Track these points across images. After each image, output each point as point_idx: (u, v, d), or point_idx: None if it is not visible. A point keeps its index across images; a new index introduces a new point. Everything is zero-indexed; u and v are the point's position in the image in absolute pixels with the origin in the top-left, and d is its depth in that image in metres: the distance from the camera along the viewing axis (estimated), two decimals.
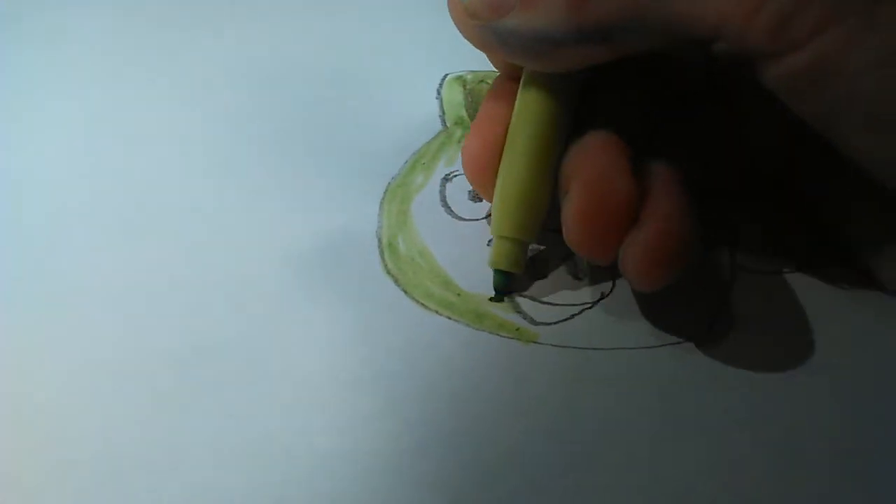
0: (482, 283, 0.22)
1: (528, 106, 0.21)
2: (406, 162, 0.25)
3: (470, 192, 0.24)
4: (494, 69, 0.23)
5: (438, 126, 0.26)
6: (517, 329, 0.20)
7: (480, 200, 0.24)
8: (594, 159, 0.20)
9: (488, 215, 0.24)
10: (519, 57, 0.20)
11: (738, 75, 0.18)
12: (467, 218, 0.24)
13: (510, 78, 0.22)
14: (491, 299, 0.21)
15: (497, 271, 0.21)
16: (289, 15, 0.31)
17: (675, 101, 0.22)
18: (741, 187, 0.23)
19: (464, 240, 0.23)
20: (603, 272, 0.22)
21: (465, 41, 0.21)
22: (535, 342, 0.20)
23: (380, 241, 0.23)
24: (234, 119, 0.27)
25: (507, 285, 0.21)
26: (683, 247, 0.19)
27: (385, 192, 0.24)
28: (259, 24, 0.31)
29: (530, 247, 0.22)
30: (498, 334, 0.20)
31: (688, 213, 0.19)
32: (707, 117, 0.22)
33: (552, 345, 0.20)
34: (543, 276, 0.22)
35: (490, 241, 0.23)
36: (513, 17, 0.18)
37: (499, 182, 0.21)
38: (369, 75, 0.28)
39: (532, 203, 0.21)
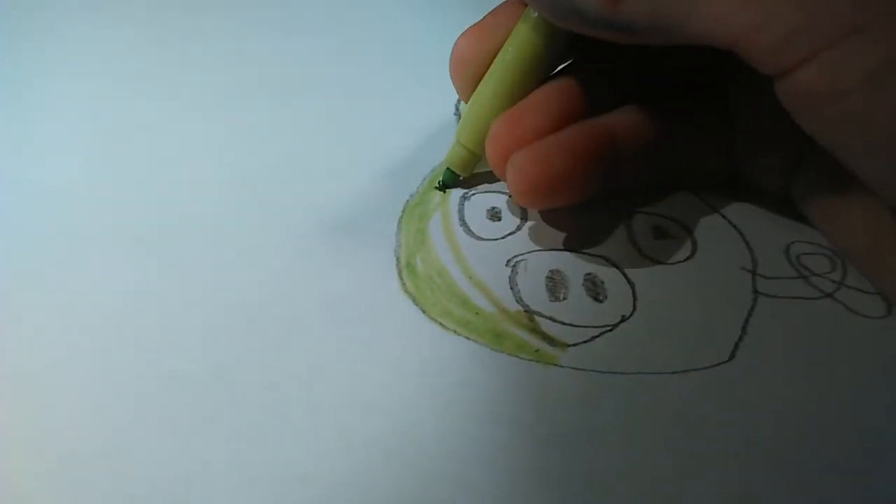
0: (501, 301, 0.21)
1: (524, 40, 0.22)
2: (424, 180, 0.25)
3: (488, 211, 0.24)
4: None
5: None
6: (537, 351, 0.20)
7: (499, 220, 0.24)
8: (535, 96, 0.22)
9: (506, 235, 0.24)
10: (544, 9, 0.21)
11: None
12: (486, 237, 0.23)
13: (521, 2, 0.23)
14: (435, 187, 0.25)
15: (448, 170, 0.24)
16: (308, 30, 0.32)
17: (665, 77, 0.24)
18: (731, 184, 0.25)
19: (482, 259, 0.23)
20: (625, 296, 0.22)
21: None
22: (554, 364, 0.20)
23: (398, 260, 0.23)
24: (251, 136, 0.27)
25: (453, 183, 0.25)
26: (552, 175, 0.21)
27: (403, 211, 0.24)
28: (277, 39, 0.31)
29: (554, 268, 0.22)
30: (517, 356, 0.20)
31: (574, 154, 0.21)
32: (697, 103, 0.24)
33: (572, 367, 0.20)
34: (564, 297, 0.22)
35: (509, 260, 0.23)
36: None
37: (475, 95, 0.23)
38: (387, 92, 0.29)
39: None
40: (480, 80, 0.23)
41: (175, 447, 0.18)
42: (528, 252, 0.23)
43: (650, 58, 0.23)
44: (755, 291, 0.22)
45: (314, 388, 0.19)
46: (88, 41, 0.31)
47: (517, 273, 0.22)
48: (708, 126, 0.24)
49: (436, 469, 0.18)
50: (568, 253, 0.23)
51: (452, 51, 0.24)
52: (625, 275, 0.22)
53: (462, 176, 0.25)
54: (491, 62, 0.23)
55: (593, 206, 0.23)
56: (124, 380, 0.20)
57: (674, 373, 0.20)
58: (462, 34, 0.24)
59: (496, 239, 0.23)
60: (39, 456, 0.18)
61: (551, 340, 0.20)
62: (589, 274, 0.22)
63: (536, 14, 0.22)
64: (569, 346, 0.20)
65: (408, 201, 0.25)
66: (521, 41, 0.22)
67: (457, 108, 0.28)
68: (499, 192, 0.25)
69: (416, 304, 0.21)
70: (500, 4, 0.24)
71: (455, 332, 0.21)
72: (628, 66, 0.24)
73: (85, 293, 0.22)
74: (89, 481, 0.18)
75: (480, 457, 0.18)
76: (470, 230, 0.24)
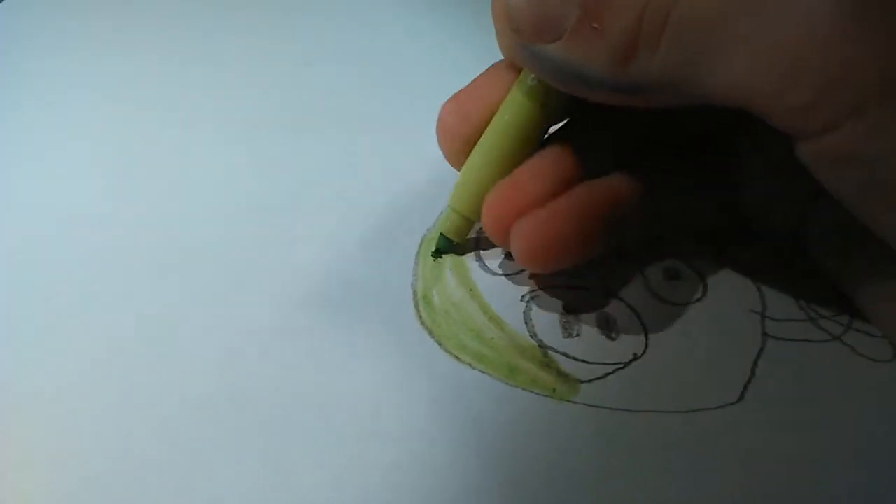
0: (516, 336, 0.22)
1: (520, 107, 0.22)
2: (441, 214, 0.26)
3: (473, 240, 0.25)
4: None
5: None
6: (553, 389, 0.21)
7: (479, 249, 0.25)
8: (532, 163, 0.22)
9: (521, 271, 0.24)
10: (545, 77, 0.20)
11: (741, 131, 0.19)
12: (501, 273, 0.24)
13: (512, 67, 0.22)
14: (431, 255, 0.24)
15: (443, 236, 0.24)
16: (328, 60, 0.32)
17: (670, 132, 0.24)
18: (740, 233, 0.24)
19: (497, 294, 0.23)
20: (636, 334, 0.22)
21: None
22: (568, 401, 0.20)
23: (415, 293, 0.23)
24: (271, 163, 0.28)
25: (448, 249, 0.24)
26: (557, 239, 0.21)
27: (420, 245, 0.25)
28: (299, 68, 0.32)
29: (567, 306, 0.23)
30: (531, 391, 0.21)
31: (578, 217, 0.21)
32: (703, 161, 0.24)
33: (585, 404, 0.20)
34: (577, 334, 0.22)
35: (523, 296, 0.23)
36: (557, 47, 0.18)
37: (469, 162, 0.23)
38: (406, 124, 0.29)
39: (488, 191, 0.22)
40: (471, 146, 0.23)
41: (190, 471, 0.19)
42: (543, 288, 0.23)
43: (650, 118, 0.23)
44: (764, 333, 0.22)
45: (329, 417, 0.20)
46: (111, 66, 0.32)
47: (531, 309, 0.23)
48: (711, 182, 0.24)
49: (448, 501, 0.18)
50: (581, 290, 0.23)
51: (440, 117, 0.23)
52: (637, 314, 0.23)
53: (457, 242, 0.24)
54: (482, 129, 0.23)
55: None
56: (141, 404, 0.20)
57: (683, 412, 0.20)
58: (449, 100, 0.23)
59: (511, 274, 0.24)
60: (59, 478, 0.18)
61: (565, 376, 0.21)
62: (602, 312, 0.23)
63: (533, 81, 0.21)
64: (582, 382, 0.21)
65: (425, 235, 0.25)
66: (516, 108, 0.22)
67: None
68: None
69: (432, 337, 0.22)
70: (490, 69, 0.23)
71: (470, 365, 0.21)
72: (626, 126, 0.23)
73: (103, 316, 0.22)
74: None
75: (492, 491, 0.18)
76: (486, 265, 0.24)
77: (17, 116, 0.29)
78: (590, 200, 0.21)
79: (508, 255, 0.24)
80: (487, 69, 0.23)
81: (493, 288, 0.23)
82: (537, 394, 0.21)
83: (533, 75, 0.21)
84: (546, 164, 0.22)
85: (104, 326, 0.22)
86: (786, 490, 0.19)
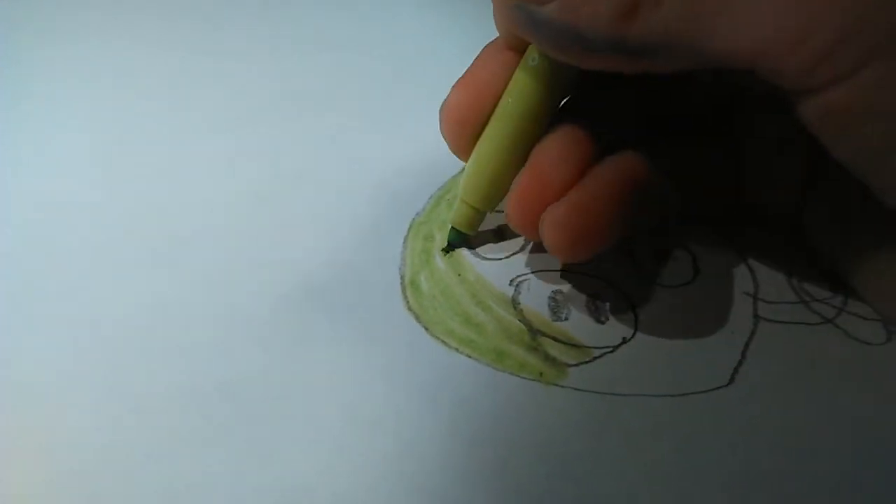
0: (504, 320, 0.22)
1: (526, 89, 0.21)
2: (430, 199, 0.26)
3: (492, 230, 0.25)
4: None
5: (462, 163, 0.27)
6: (540, 373, 0.20)
7: (503, 240, 0.24)
8: (550, 148, 0.21)
9: (510, 255, 0.24)
10: (544, 45, 0.19)
11: (749, 105, 0.18)
12: (490, 257, 0.24)
13: (510, 47, 0.22)
14: (442, 250, 0.24)
15: (454, 229, 0.23)
16: (319, 47, 0.32)
17: (670, 114, 0.23)
18: (738, 216, 0.24)
19: (486, 279, 0.23)
20: (626, 317, 0.22)
21: None
22: (556, 385, 0.20)
23: (402, 278, 0.23)
24: (261, 150, 0.27)
25: (460, 243, 0.24)
26: (592, 224, 0.20)
27: (409, 230, 0.24)
28: (291, 55, 0.32)
29: (557, 288, 0.22)
30: (519, 375, 0.20)
31: (610, 199, 0.20)
32: (703, 140, 0.23)
33: (573, 388, 0.20)
34: (566, 318, 0.22)
35: (512, 279, 0.23)
36: (555, 7, 0.18)
37: (477, 151, 0.22)
38: (396, 110, 0.29)
39: (501, 180, 0.22)
40: (478, 135, 0.22)
41: (179, 460, 0.18)
42: (532, 272, 0.23)
43: (654, 91, 0.23)
44: (756, 316, 0.22)
45: (317, 404, 0.20)
46: (106, 55, 0.32)
47: (520, 293, 0.22)
48: (716, 159, 0.23)
49: (436, 487, 0.18)
50: (571, 273, 0.23)
51: (444, 109, 0.22)
52: (627, 297, 0.22)
53: (469, 234, 0.24)
54: (488, 116, 0.22)
55: None
56: (130, 392, 0.20)
57: (673, 396, 0.20)
58: (452, 91, 0.22)
59: (500, 258, 0.24)
60: (47, 467, 0.18)
61: (553, 360, 0.21)
62: (591, 295, 0.22)
63: (535, 61, 0.21)
64: (570, 366, 0.21)
65: (413, 220, 0.25)
66: (522, 91, 0.21)
67: None
68: (502, 211, 0.25)
69: (419, 322, 0.22)
70: (485, 52, 0.22)
71: (457, 350, 0.21)
72: (632, 100, 0.23)
73: (95, 305, 0.22)
74: (95, 494, 0.18)
75: (480, 476, 0.18)
76: (475, 250, 0.24)
77: (12, 107, 0.29)
78: (617, 180, 0.21)
79: (497, 238, 0.24)
80: (482, 53, 0.22)
81: (481, 271, 0.23)
82: (525, 378, 0.20)
83: (535, 55, 0.21)
84: (565, 147, 0.21)
85: (94, 316, 0.22)
86: (777, 473, 0.18)
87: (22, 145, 0.28)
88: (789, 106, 0.17)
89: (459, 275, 0.23)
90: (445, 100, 0.22)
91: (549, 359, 0.21)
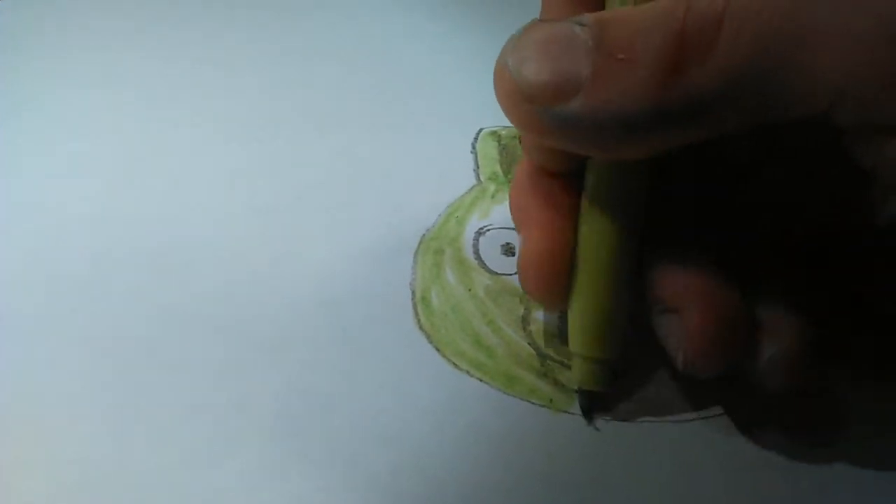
0: (514, 343, 0.22)
1: (601, 213, 0.19)
2: (440, 215, 0.26)
3: (502, 246, 0.25)
4: None
5: (472, 180, 0.27)
6: (550, 399, 0.21)
7: (513, 255, 0.24)
8: (702, 278, 0.18)
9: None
10: (587, 147, 0.17)
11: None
12: (500, 272, 0.24)
13: (546, 173, 0.20)
14: (584, 418, 0.20)
15: (583, 392, 0.20)
16: (332, 62, 0.32)
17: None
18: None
19: (496, 296, 0.23)
20: (632, 340, 0.22)
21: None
22: (565, 411, 0.20)
23: (413, 293, 0.23)
24: (271, 165, 0.27)
25: (594, 406, 0.20)
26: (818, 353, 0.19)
27: (419, 244, 0.25)
28: (303, 69, 0.31)
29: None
30: (529, 401, 0.21)
31: (808, 321, 0.18)
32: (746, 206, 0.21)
33: (581, 414, 0.20)
34: None
35: (522, 298, 0.23)
36: (580, 99, 0.16)
37: (578, 300, 0.20)
38: (407, 126, 0.29)
39: (617, 320, 0.20)
40: (566, 282, 0.20)
41: (189, 475, 0.19)
42: None
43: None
44: None
45: (328, 422, 0.20)
46: (115, 66, 0.31)
47: (530, 314, 0.23)
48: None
49: None
50: None
51: (522, 268, 0.20)
52: (633, 318, 0.23)
53: (603, 390, 0.20)
54: (566, 262, 0.20)
55: None
56: (140, 406, 0.20)
57: (681, 421, 0.20)
58: (523, 245, 0.20)
59: (510, 274, 0.24)
60: (56, 481, 0.19)
61: (563, 387, 0.21)
62: None
63: (599, 188, 0.19)
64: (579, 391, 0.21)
65: (424, 235, 0.25)
66: (599, 221, 0.19)
67: (473, 146, 0.28)
68: (513, 228, 0.25)
69: (431, 343, 0.22)
70: (521, 184, 0.21)
71: (468, 373, 0.21)
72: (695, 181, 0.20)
73: (105, 319, 0.22)
74: None
75: (487, 500, 0.19)
76: (485, 264, 0.24)
77: (19, 115, 0.29)
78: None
79: (507, 253, 0.24)
80: (517, 186, 0.21)
81: (491, 288, 0.23)
82: (534, 403, 0.21)
83: (590, 179, 0.19)
84: (720, 282, 0.18)
85: (103, 328, 0.22)
86: (787, 498, 0.19)
87: (27, 155, 0.27)
88: (860, 153, 0.16)
89: (470, 290, 0.23)
90: (520, 257, 0.20)
91: (558, 384, 0.21)
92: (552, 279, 0.20)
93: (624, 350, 0.20)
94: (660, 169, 0.19)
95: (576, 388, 0.20)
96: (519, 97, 0.17)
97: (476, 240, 0.25)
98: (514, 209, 0.21)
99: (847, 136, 0.16)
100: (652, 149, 0.17)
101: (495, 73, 0.17)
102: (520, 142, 0.26)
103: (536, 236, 0.20)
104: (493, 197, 0.26)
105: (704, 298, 0.18)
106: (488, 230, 0.25)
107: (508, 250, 0.25)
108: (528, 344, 0.22)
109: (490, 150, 0.28)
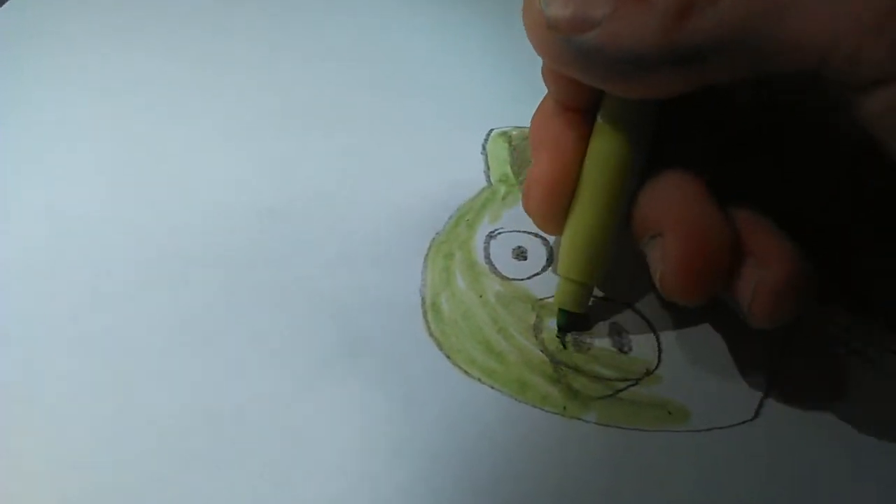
0: (526, 349, 0.21)
1: (608, 145, 0.20)
2: (450, 218, 0.25)
3: (514, 250, 0.24)
4: None
5: (483, 182, 0.26)
6: (563, 406, 0.20)
7: (525, 259, 0.24)
8: (685, 203, 0.19)
9: (532, 276, 0.23)
10: (600, 79, 0.18)
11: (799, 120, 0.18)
12: (511, 277, 0.24)
13: (565, 106, 0.21)
14: (556, 336, 0.22)
15: (561, 310, 0.22)
16: (340, 62, 0.31)
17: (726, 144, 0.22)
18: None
19: (507, 302, 0.23)
20: (649, 347, 0.22)
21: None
22: (578, 418, 0.20)
23: (423, 299, 0.23)
24: (277, 167, 0.27)
25: (570, 324, 0.22)
26: (810, 286, 0.18)
27: (429, 248, 0.24)
28: (308, 69, 0.31)
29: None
30: (542, 408, 0.20)
31: (802, 252, 0.19)
32: (755, 163, 0.22)
33: (595, 423, 0.20)
34: (588, 347, 0.22)
35: (534, 304, 0.23)
36: (598, 32, 0.17)
37: (571, 224, 0.21)
38: (415, 128, 0.28)
39: (602, 248, 0.21)
40: (566, 207, 0.21)
41: (193, 483, 0.19)
42: (551, 297, 0.23)
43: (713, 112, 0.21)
44: (782, 348, 0.22)
45: (336, 430, 0.20)
46: (115, 67, 0.31)
47: (542, 320, 0.22)
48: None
49: None
50: (594, 298, 0.23)
51: (527, 186, 0.22)
52: (651, 325, 0.22)
53: (580, 313, 0.22)
54: (573, 185, 0.21)
55: (620, 252, 0.23)
56: (143, 412, 0.20)
57: (697, 431, 0.20)
58: (533, 166, 0.22)
59: (521, 279, 0.23)
60: (58, 487, 0.18)
61: (576, 394, 0.21)
62: (615, 323, 0.22)
63: (609, 123, 0.20)
64: (593, 399, 0.20)
65: (434, 239, 0.25)
66: (612, 144, 0.20)
67: (483, 148, 0.28)
68: (525, 231, 0.25)
69: (441, 350, 0.22)
70: (541, 116, 0.22)
71: (479, 380, 0.21)
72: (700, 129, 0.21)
73: (107, 325, 0.22)
74: None
75: None
76: (496, 269, 0.24)
77: (21, 118, 0.29)
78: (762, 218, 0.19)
79: (519, 257, 0.24)
80: (538, 116, 0.22)
81: (502, 294, 0.23)
82: (547, 410, 0.20)
83: (601, 111, 0.20)
84: (706, 209, 0.19)
85: (106, 333, 0.22)
86: None
87: (30, 158, 0.27)
88: (852, 108, 0.16)
89: (481, 296, 0.23)
90: (526, 177, 0.22)
91: (571, 391, 0.21)
92: (553, 200, 0.21)
93: (604, 279, 0.22)
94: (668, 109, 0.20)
95: (557, 307, 0.22)
96: (544, 26, 0.18)
97: (487, 243, 0.24)
98: (533, 130, 0.22)
99: (836, 94, 0.16)
100: (657, 89, 0.18)
101: (524, 4, 0.19)
102: (527, 140, 0.25)
103: (546, 157, 0.21)
104: (503, 199, 0.26)
105: (686, 222, 0.19)
106: (499, 233, 0.25)
107: (520, 254, 0.24)
108: (541, 350, 0.22)
109: (501, 151, 0.27)
